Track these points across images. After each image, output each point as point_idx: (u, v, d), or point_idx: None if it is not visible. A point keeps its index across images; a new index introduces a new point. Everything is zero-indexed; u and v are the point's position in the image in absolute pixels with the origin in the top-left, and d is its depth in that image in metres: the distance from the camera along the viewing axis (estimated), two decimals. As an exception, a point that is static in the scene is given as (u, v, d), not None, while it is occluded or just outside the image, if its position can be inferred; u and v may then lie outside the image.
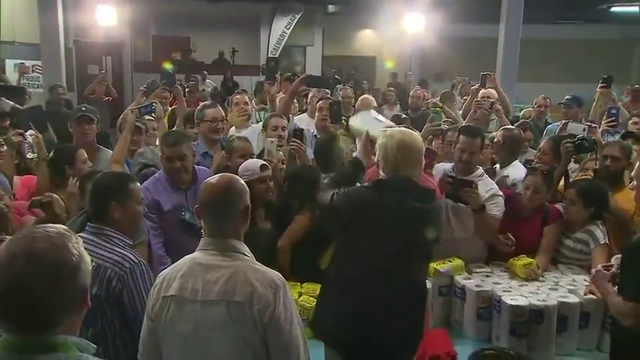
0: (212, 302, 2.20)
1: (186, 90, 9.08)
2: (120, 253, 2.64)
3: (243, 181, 2.44)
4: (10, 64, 12.63)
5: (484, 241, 3.93)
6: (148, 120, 5.10)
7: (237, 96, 6.07)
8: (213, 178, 2.42)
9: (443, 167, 4.09)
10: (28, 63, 12.64)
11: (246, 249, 2.35)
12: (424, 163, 3.44)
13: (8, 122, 5.32)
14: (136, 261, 2.64)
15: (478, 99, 5.97)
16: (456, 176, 3.80)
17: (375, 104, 6.46)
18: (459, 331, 3.55)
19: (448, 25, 13.39)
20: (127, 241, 2.74)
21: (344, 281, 2.84)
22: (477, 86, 6.61)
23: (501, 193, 3.89)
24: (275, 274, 2.29)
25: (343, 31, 16.92)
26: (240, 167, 3.73)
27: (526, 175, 4.01)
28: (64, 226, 1.57)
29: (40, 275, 1.43)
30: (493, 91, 6.21)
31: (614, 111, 5.18)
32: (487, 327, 3.45)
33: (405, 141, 2.95)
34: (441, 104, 6.30)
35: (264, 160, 3.90)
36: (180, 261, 2.35)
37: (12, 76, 11.72)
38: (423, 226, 2.86)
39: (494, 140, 4.78)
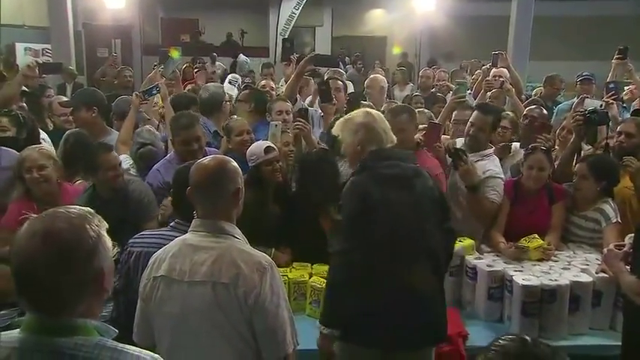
0: (198, 283, 2.21)
1: (195, 72, 9.07)
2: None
3: (235, 164, 2.42)
4: (20, 47, 12.70)
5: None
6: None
7: (263, 82, 6.05)
8: (205, 159, 2.42)
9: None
10: (38, 47, 12.70)
11: (237, 231, 2.34)
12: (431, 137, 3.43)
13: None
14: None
15: (489, 78, 5.90)
16: (457, 148, 3.81)
17: (385, 84, 6.40)
18: (470, 311, 3.53)
19: (458, 3, 13.24)
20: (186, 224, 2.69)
21: (369, 271, 2.68)
22: (487, 65, 6.54)
23: (502, 177, 3.86)
24: (262, 256, 2.28)
25: (353, 11, 16.77)
26: (247, 153, 3.73)
27: (527, 155, 3.91)
28: (88, 209, 1.56)
29: (52, 255, 1.42)
30: (505, 70, 6.13)
31: (612, 85, 5.09)
32: (498, 307, 3.43)
33: (370, 121, 2.94)
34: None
35: (271, 141, 3.89)
36: (172, 242, 2.37)
37: (22, 59, 11.77)
38: (426, 182, 2.84)
39: (522, 119, 4.71)
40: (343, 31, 17.00)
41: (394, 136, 2.97)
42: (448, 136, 4.57)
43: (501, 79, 5.82)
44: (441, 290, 2.88)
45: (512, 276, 3.33)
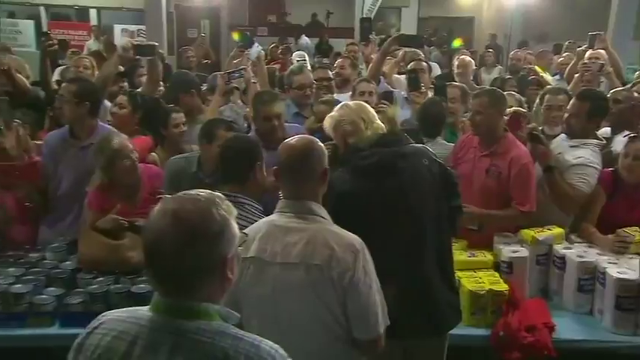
0: (291, 265, 2.21)
1: (279, 52, 9.17)
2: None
3: (321, 144, 2.40)
4: (117, 29, 13.34)
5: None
6: None
7: (339, 60, 6.04)
8: (292, 139, 2.41)
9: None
10: (133, 27, 13.25)
11: (323, 211, 2.33)
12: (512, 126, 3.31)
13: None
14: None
15: (585, 61, 5.61)
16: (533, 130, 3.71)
17: (474, 66, 6.25)
18: (558, 302, 3.39)
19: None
20: (260, 207, 2.72)
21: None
22: (584, 47, 6.22)
23: (595, 166, 3.67)
24: (354, 238, 2.26)
25: (440, -9, 16.43)
26: None
27: (626, 144, 3.70)
28: (218, 194, 1.58)
29: (178, 235, 1.45)
30: (602, 52, 5.81)
31: None
32: (589, 300, 3.29)
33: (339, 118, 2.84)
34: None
35: None
36: (258, 223, 2.36)
37: (119, 40, 12.26)
38: (415, 162, 2.72)
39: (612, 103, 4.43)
40: (430, 12, 16.67)
41: (380, 123, 2.82)
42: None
43: (599, 61, 5.52)
44: (444, 275, 2.78)
45: (605, 268, 3.18)
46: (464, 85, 5.00)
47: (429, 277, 2.73)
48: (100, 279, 3.24)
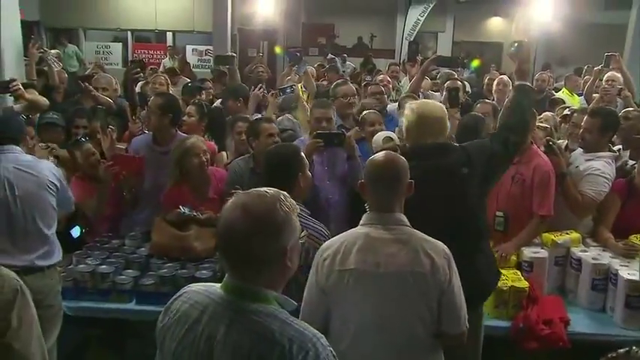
0: (395, 273, 2.16)
1: (327, 69, 9.23)
2: (310, 225, 2.58)
3: (404, 159, 2.35)
4: (189, 48, 13.76)
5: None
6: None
7: (380, 76, 6.06)
8: (380, 155, 2.35)
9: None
10: (202, 48, 13.60)
11: (406, 219, 2.28)
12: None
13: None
14: (326, 233, 2.61)
15: (604, 85, 5.47)
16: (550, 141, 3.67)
17: (511, 86, 6.16)
18: (573, 299, 3.34)
19: (576, 11, 12.31)
20: (307, 211, 2.68)
21: None
22: (600, 67, 6.07)
23: (606, 177, 3.56)
24: (442, 244, 2.23)
25: (473, 18, 16.16)
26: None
27: None
28: (282, 191, 1.60)
29: (246, 225, 1.49)
30: (618, 75, 5.66)
31: None
32: (601, 298, 3.22)
33: (424, 112, 2.75)
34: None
35: (397, 135, 3.88)
36: (348, 236, 2.26)
37: (190, 58, 12.69)
38: (453, 177, 2.66)
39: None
40: (463, 37, 16.44)
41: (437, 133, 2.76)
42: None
43: (617, 85, 5.38)
44: (474, 270, 2.66)
45: (617, 270, 3.12)
46: (494, 103, 4.91)
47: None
48: (169, 264, 3.33)
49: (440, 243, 2.23)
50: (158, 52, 14.03)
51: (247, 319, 1.50)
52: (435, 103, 2.99)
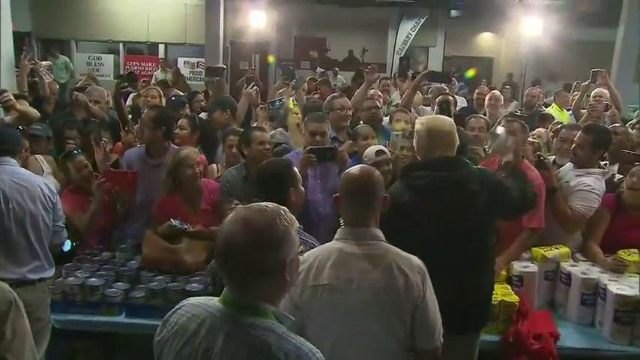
0: (368, 289, 2.14)
1: (318, 82, 9.30)
2: (306, 240, 2.58)
3: (379, 173, 2.36)
4: (181, 61, 13.83)
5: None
6: None
7: (372, 91, 6.10)
8: (354, 169, 2.35)
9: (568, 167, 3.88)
10: (194, 60, 13.64)
11: (381, 234, 2.27)
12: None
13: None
14: (317, 244, 2.59)
15: (591, 101, 5.56)
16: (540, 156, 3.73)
17: (502, 101, 6.30)
18: (563, 314, 3.36)
19: (565, 28, 12.49)
20: (301, 225, 2.70)
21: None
22: (587, 82, 6.18)
23: (596, 192, 3.61)
24: (416, 260, 2.22)
25: (464, 34, 16.33)
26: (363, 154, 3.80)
27: (634, 165, 3.74)
28: (282, 206, 1.61)
29: (246, 238, 1.50)
30: (605, 91, 5.76)
31: None
32: (591, 312, 3.25)
33: (434, 126, 2.80)
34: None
35: (389, 149, 3.90)
36: (322, 250, 2.25)
37: (182, 70, 12.78)
38: (461, 190, 2.68)
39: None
40: (454, 52, 16.59)
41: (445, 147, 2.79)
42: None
43: (604, 101, 5.46)
44: (480, 282, 2.78)
45: (606, 285, 3.15)
46: (487, 118, 4.95)
47: (470, 282, 2.70)
48: (160, 277, 3.32)
49: (415, 258, 2.21)
50: (150, 65, 14.04)
51: (245, 333, 1.51)
52: (445, 118, 3.02)
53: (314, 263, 2.20)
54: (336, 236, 2.29)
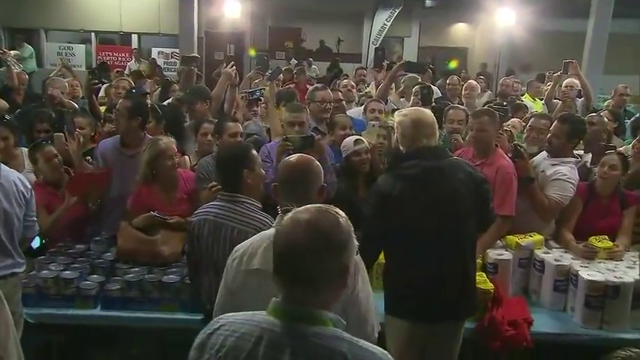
0: None
1: (295, 73, 9.25)
2: (258, 218, 2.64)
3: (318, 163, 2.34)
4: (154, 51, 13.57)
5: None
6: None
7: (345, 81, 6.09)
8: (292, 158, 2.34)
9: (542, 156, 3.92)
10: (168, 50, 13.44)
11: None
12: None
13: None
14: (274, 223, 2.61)
15: (563, 89, 5.65)
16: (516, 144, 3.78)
17: (479, 90, 6.35)
18: (536, 300, 3.43)
19: (538, 19, 12.65)
20: (258, 204, 2.72)
21: (415, 259, 2.69)
22: (558, 73, 6.29)
23: (571, 181, 3.66)
24: None
25: (439, 24, 16.45)
26: (341, 144, 3.83)
27: (603, 156, 3.83)
28: (340, 210, 1.52)
29: (313, 240, 1.42)
30: (576, 81, 5.86)
31: None
32: (563, 298, 3.32)
33: (418, 117, 2.83)
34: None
35: (365, 139, 3.92)
36: (258, 236, 2.22)
37: (157, 60, 12.52)
38: (451, 178, 2.73)
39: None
40: (429, 42, 16.68)
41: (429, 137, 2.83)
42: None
43: (575, 88, 5.57)
44: (469, 272, 2.85)
45: (577, 271, 3.22)
46: (465, 108, 4.94)
47: (462, 270, 2.79)
48: (136, 269, 3.29)
49: None
50: (123, 55, 13.81)
51: (312, 344, 1.41)
52: (425, 110, 3.04)
53: (248, 249, 2.18)
54: (274, 223, 2.28)
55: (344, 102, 5.38)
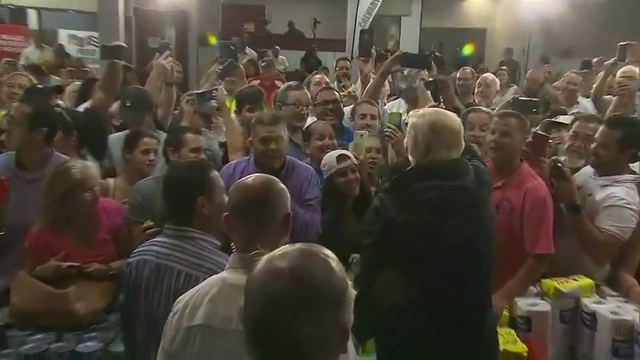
0: None
1: (262, 65, 9.25)
2: (212, 259, 2.65)
3: (282, 185, 2.36)
4: (63, 34, 13.18)
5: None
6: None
7: (317, 76, 6.08)
8: (247, 179, 2.36)
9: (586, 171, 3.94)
10: (83, 34, 13.19)
11: None
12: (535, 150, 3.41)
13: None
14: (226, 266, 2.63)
15: (620, 78, 5.69)
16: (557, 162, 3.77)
17: (498, 86, 6.43)
18: (588, 367, 3.42)
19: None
20: (216, 242, 2.74)
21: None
22: (612, 60, 6.32)
23: (632, 208, 3.65)
24: None
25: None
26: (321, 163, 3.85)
27: None
28: (321, 246, 1.55)
29: (300, 298, 1.42)
30: (636, 70, 5.91)
31: None
32: (627, 366, 3.31)
33: (439, 121, 2.82)
34: None
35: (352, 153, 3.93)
36: (206, 282, 2.29)
37: (66, 47, 12.23)
38: (475, 200, 2.74)
39: None
40: (434, 22, 16.89)
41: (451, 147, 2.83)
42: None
43: (635, 79, 5.62)
44: (486, 319, 2.86)
45: (645, 329, 3.21)
46: (490, 110, 4.97)
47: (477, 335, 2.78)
48: (38, 336, 3.20)
49: None
50: (16, 38, 13.53)
51: None
52: (449, 113, 3.02)
53: (192, 299, 2.21)
54: (227, 264, 2.32)
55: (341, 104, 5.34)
